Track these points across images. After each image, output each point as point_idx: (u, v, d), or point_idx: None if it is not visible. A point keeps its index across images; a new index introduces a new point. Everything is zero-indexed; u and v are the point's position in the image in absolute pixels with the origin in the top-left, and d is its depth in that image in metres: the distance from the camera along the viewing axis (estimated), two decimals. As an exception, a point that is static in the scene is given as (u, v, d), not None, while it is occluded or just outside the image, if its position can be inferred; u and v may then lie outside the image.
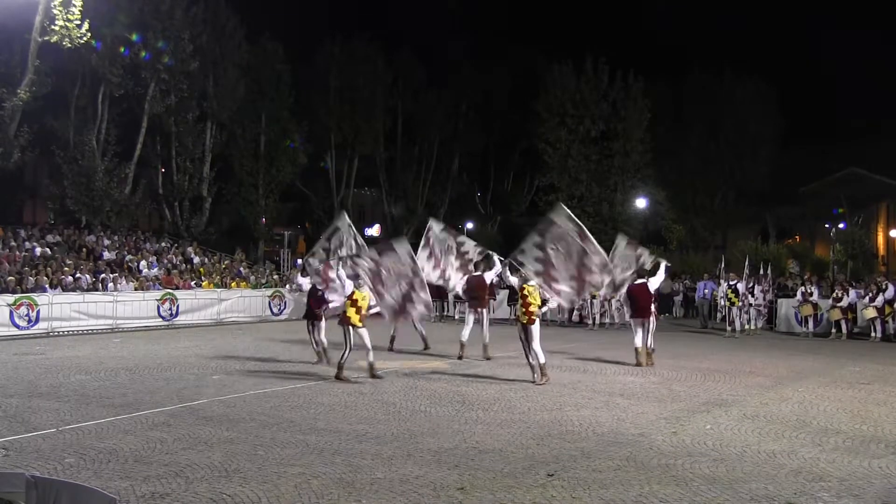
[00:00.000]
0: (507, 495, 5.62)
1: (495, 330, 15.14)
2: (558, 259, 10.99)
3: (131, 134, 27.45)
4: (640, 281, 12.78)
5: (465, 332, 13.62)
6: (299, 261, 39.53)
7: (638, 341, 12.59)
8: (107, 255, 22.89)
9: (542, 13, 61.36)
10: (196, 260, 25.43)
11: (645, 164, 32.11)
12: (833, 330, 19.31)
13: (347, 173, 37.07)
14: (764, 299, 20.63)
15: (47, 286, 18.21)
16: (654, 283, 12.88)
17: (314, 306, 12.57)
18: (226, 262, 26.53)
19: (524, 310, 10.93)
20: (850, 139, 37.67)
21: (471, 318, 13.84)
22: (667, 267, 13.51)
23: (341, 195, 37.15)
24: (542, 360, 10.86)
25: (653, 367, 12.41)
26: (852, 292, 19.50)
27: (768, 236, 37.22)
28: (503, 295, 23.10)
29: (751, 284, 20.01)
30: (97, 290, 19.22)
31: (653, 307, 12.90)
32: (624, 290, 13.00)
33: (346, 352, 10.79)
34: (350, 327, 10.76)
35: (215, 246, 29.63)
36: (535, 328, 10.93)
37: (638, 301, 12.75)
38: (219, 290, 21.91)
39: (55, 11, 19.09)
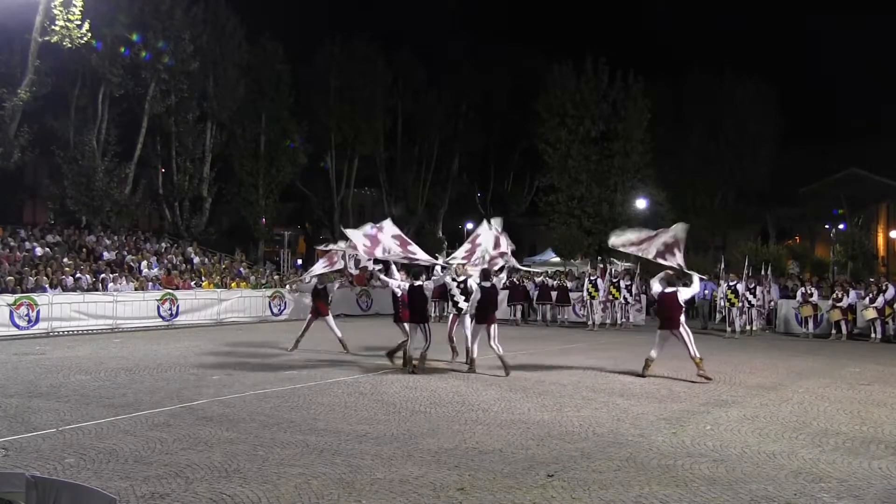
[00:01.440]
0: (507, 496, 5.62)
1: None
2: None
3: (131, 134, 27.46)
4: (670, 289, 11.58)
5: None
6: (299, 261, 39.69)
7: (654, 352, 11.52)
8: (107, 255, 22.90)
9: (542, 13, 61.50)
10: (196, 260, 25.44)
11: (645, 164, 32.10)
12: (833, 331, 19.30)
13: (347, 173, 37.09)
14: (764, 300, 20.63)
15: (47, 286, 18.20)
16: (686, 293, 11.62)
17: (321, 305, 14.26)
18: (226, 263, 26.54)
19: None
20: (850, 139, 37.72)
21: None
22: (699, 279, 12.23)
23: (341, 195, 37.17)
24: (474, 355, 11.81)
25: (706, 377, 11.17)
26: (852, 293, 19.49)
27: (768, 237, 37.25)
28: (503, 295, 23.12)
29: (753, 285, 20.01)
30: (97, 290, 19.21)
31: (681, 318, 11.52)
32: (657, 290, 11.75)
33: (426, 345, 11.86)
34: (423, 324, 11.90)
35: (215, 246, 29.64)
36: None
37: (665, 311, 11.60)
38: (219, 290, 21.91)
39: (55, 11, 19.08)
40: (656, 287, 11.75)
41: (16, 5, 19.72)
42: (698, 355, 11.30)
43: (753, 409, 9.07)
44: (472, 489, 5.76)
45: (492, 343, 11.61)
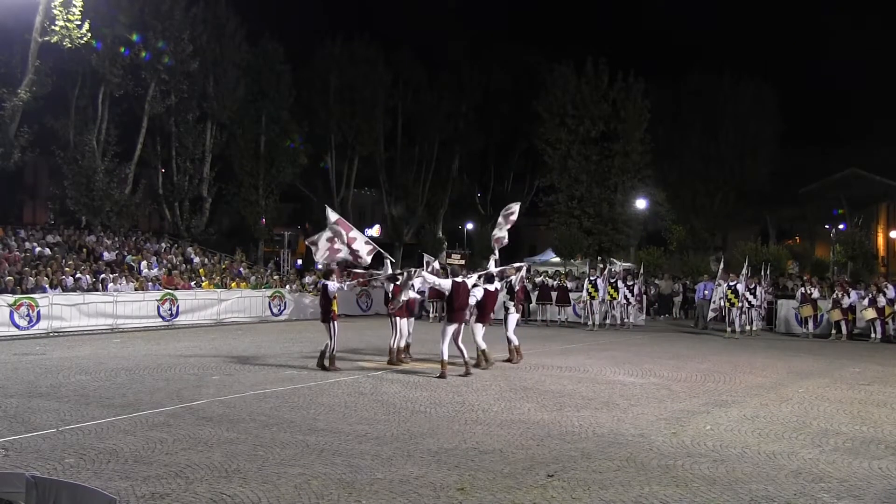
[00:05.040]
0: (507, 496, 5.62)
1: (490, 330, 14.99)
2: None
3: (131, 134, 27.44)
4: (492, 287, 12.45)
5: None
6: (299, 262, 39.69)
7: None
8: (107, 255, 22.89)
9: (542, 13, 61.49)
10: (196, 260, 25.43)
11: (645, 164, 32.04)
12: (833, 331, 19.32)
13: (347, 173, 37.08)
14: (762, 300, 20.62)
15: (47, 286, 18.20)
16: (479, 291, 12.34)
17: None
18: (226, 263, 26.53)
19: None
20: (851, 140, 37.72)
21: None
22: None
23: (341, 195, 37.15)
24: (445, 357, 11.40)
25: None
26: (852, 293, 19.50)
27: (768, 237, 37.24)
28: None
29: (753, 285, 20.00)
30: (97, 290, 19.21)
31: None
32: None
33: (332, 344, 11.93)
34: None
35: (215, 246, 29.62)
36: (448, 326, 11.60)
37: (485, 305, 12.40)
38: (219, 290, 21.91)
39: (55, 11, 19.08)
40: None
41: (16, 5, 19.72)
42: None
43: (753, 409, 9.08)
44: (472, 489, 5.76)
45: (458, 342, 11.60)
